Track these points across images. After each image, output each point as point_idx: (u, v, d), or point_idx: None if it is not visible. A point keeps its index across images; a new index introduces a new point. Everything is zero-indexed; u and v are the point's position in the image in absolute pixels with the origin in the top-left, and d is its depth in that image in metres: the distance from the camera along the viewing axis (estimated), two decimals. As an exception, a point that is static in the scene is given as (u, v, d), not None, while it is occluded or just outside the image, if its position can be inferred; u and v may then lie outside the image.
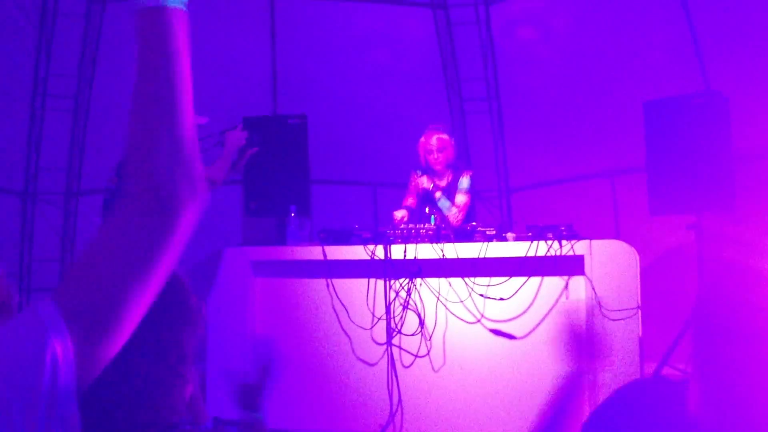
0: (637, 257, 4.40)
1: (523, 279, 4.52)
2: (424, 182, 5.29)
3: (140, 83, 0.87)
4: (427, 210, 5.03)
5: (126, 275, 0.83)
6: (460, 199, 5.16)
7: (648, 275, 5.00)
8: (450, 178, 5.25)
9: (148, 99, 0.87)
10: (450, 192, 5.22)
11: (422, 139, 5.25)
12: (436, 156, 5.18)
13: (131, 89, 0.87)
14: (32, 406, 0.75)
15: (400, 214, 5.04)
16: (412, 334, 4.68)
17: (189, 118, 0.88)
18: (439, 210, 5.10)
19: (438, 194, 5.12)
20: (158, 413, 1.30)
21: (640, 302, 4.34)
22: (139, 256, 0.84)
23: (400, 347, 4.70)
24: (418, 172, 5.32)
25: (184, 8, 0.90)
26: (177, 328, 1.34)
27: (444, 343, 4.64)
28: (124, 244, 0.83)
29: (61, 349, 0.78)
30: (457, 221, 5.08)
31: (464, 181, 5.19)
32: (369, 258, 4.65)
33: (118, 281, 0.82)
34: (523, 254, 4.47)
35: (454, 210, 5.12)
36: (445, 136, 5.21)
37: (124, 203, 0.85)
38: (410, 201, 5.30)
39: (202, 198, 0.89)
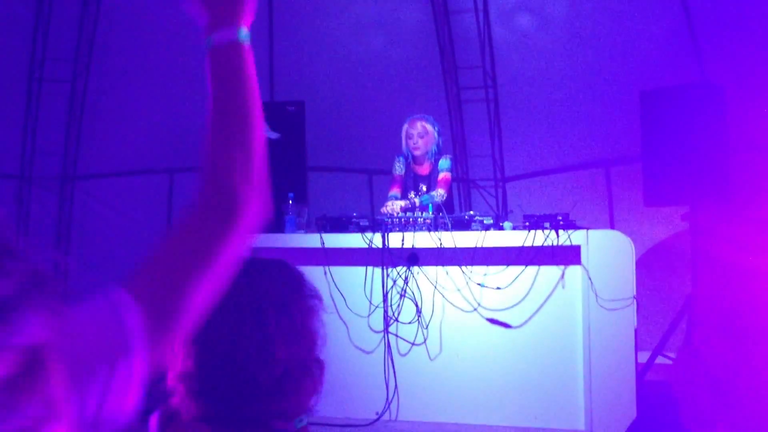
0: (633, 247, 4.43)
1: (520, 268, 4.55)
2: (400, 170, 5.32)
3: (221, 107, 1.01)
4: (412, 195, 5.10)
5: (191, 269, 0.93)
6: (441, 175, 5.19)
7: (642, 266, 5.04)
8: (430, 168, 5.28)
9: (229, 121, 1.01)
10: (430, 180, 5.26)
11: (406, 125, 5.28)
12: (415, 141, 5.20)
13: (211, 110, 1.00)
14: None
15: (390, 205, 5.02)
16: (409, 323, 4.71)
17: (261, 136, 1.03)
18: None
19: (417, 201, 5.08)
20: (294, 400, 1.37)
21: (635, 292, 4.38)
22: (203, 252, 0.95)
23: (397, 335, 4.73)
24: (398, 160, 5.35)
25: (249, 44, 1.04)
26: (304, 317, 1.41)
27: (441, 331, 4.67)
28: (192, 240, 0.96)
29: (138, 334, 0.87)
30: (443, 198, 5.07)
31: (444, 162, 5.22)
32: (367, 246, 4.67)
33: (184, 275, 0.93)
34: (520, 244, 4.49)
35: (440, 191, 5.11)
36: (428, 125, 5.24)
37: (197, 207, 0.98)
38: (396, 190, 5.31)
39: (265, 204, 1.01)
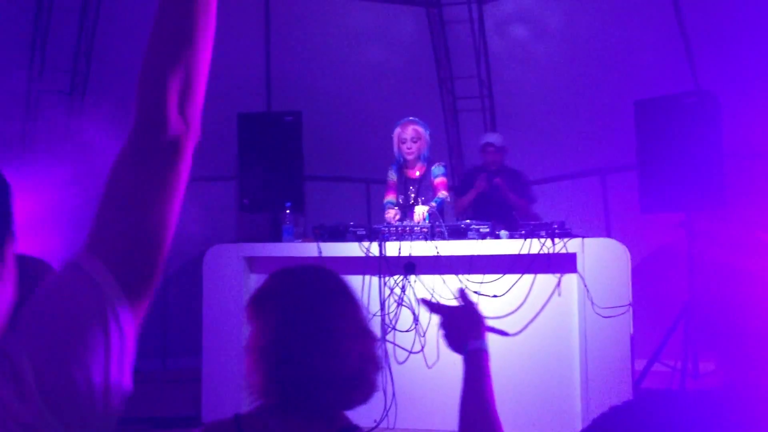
0: (629, 255, 4.46)
1: (516, 276, 4.57)
2: (393, 176, 5.39)
3: (164, 20, 0.91)
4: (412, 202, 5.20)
5: (144, 214, 0.85)
6: (438, 180, 5.28)
7: (638, 273, 5.06)
8: (422, 171, 5.35)
9: (170, 39, 0.90)
10: (420, 183, 5.32)
11: (398, 129, 5.35)
12: (408, 145, 5.28)
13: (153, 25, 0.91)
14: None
15: (392, 213, 5.11)
16: (407, 331, 4.72)
17: (205, 62, 0.92)
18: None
19: (433, 204, 5.16)
20: (359, 392, 1.48)
21: (631, 300, 4.40)
22: (154, 189, 0.87)
23: (394, 343, 4.75)
24: (391, 167, 5.42)
25: None
26: (360, 318, 1.54)
27: (438, 339, 4.69)
28: (134, 181, 0.86)
29: (123, 322, 0.81)
30: (448, 199, 5.22)
31: (437, 169, 5.31)
32: (364, 255, 4.69)
33: (139, 223, 0.85)
34: (516, 252, 4.52)
35: (444, 193, 5.20)
36: (419, 128, 5.32)
37: (130, 144, 0.88)
38: (392, 196, 5.37)
39: (195, 138, 0.92)
